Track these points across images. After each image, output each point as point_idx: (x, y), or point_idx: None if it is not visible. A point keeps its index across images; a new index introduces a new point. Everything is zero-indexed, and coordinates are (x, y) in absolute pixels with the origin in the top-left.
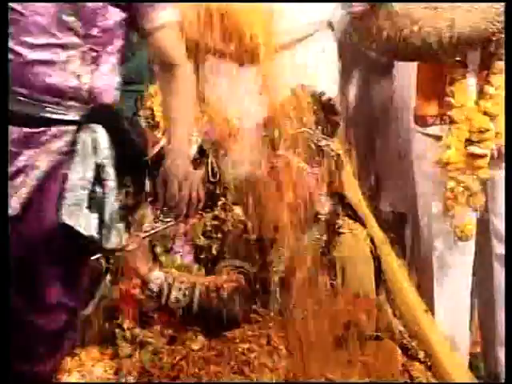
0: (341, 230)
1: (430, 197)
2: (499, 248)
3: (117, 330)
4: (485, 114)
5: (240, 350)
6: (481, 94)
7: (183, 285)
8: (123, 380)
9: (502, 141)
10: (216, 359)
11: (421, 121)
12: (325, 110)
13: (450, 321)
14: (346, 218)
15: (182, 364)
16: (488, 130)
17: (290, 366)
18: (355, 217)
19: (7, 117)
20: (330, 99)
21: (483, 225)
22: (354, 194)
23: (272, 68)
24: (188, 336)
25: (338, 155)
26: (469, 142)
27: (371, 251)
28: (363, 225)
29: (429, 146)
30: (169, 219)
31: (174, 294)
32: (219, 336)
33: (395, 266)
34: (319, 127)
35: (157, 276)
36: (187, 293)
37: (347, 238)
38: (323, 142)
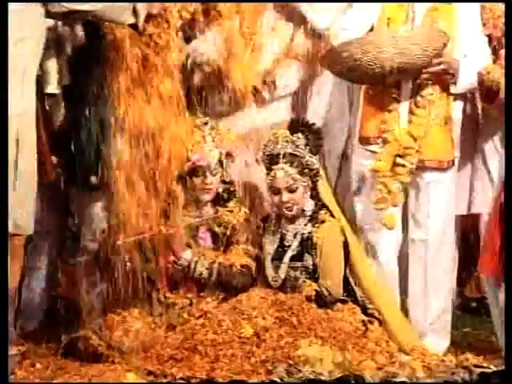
0: (320, 222)
1: (364, 196)
2: (415, 234)
3: (153, 295)
4: (410, 136)
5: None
6: (408, 121)
7: (206, 261)
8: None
9: (422, 156)
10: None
11: (364, 141)
12: (313, 135)
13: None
14: (323, 213)
15: (201, 320)
16: (411, 148)
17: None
18: (330, 213)
19: (7, 117)
20: (318, 128)
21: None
22: (327, 196)
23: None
24: (204, 301)
25: (318, 169)
26: (397, 155)
27: (342, 238)
28: (335, 218)
29: (367, 158)
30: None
31: (198, 268)
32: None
33: (358, 250)
34: (307, 148)
35: (187, 254)
36: (208, 267)
37: (325, 228)
38: (309, 159)
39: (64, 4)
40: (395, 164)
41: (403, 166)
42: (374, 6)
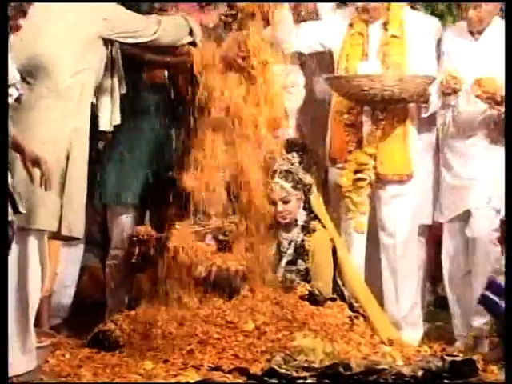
0: (312, 231)
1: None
2: (385, 240)
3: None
4: (366, 154)
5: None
6: (366, 142)
7: (205, 263)
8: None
9: (384, 171)
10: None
11: (333, 161)
12: (306, 154)
13: None
14: (315, 223)
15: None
16: (367, 164)
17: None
18: (321, 223)
19: (7, 117)
20: (311, 149)
21: (373, 225)
22: (319, 208)
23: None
24: (212, 299)
25: (310, 184)
26: (356, 171)
27: (331, 245)
28: (325, 228)
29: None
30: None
31: (198, 268)
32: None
33: (345, 256)
34: (301, 165)
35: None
36: (207, 268)
37: (316, 236)
38: (302, 175)
39: (120, 39)
40: (356, 179)
41: (363, 179)
42: (328, 27)
